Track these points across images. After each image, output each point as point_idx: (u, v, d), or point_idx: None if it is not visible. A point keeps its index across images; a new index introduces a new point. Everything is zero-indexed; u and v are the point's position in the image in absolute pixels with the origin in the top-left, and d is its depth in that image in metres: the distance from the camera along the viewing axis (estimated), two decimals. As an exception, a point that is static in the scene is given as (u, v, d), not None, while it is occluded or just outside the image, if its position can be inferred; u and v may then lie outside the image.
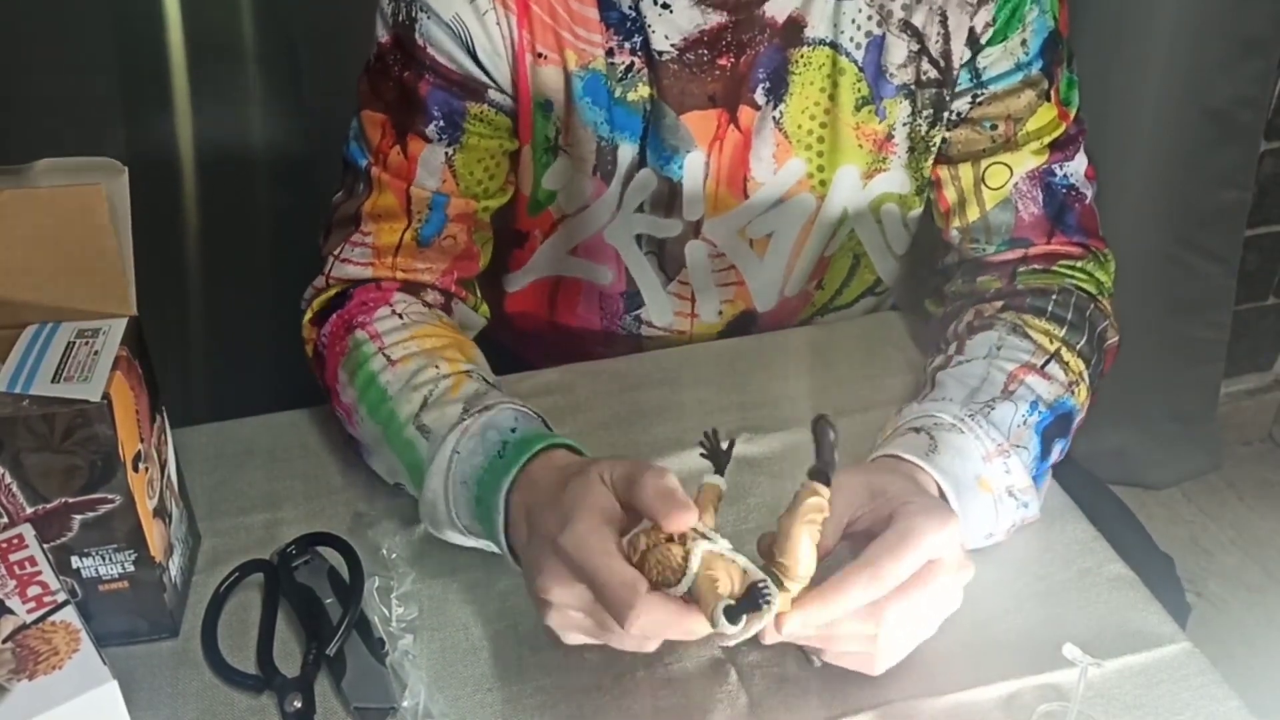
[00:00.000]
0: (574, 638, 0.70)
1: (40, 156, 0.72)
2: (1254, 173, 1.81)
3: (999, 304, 0.95)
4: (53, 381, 0.68)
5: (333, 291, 0.94)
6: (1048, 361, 0.88)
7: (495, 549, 0.78)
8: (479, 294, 1.00)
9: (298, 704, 0.72)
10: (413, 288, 0.94)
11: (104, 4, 1.27)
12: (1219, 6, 1.61)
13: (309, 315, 0.94)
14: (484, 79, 0.92)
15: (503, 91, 0.93)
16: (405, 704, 0.71)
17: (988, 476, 0.79)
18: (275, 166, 1.39)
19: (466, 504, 0.78)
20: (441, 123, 0.92)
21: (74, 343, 0.71)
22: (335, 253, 0.94)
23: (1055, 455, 0.86)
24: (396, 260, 0.94)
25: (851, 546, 0.71)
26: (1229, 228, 1.84)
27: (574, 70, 0.93)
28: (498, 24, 0.90)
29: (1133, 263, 1.80)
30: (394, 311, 0.90)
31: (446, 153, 0.93)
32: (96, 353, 0.70)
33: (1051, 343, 0.89)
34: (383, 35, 0.93)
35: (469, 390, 0.83)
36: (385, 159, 0.93)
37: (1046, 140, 0.96)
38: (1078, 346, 0.90)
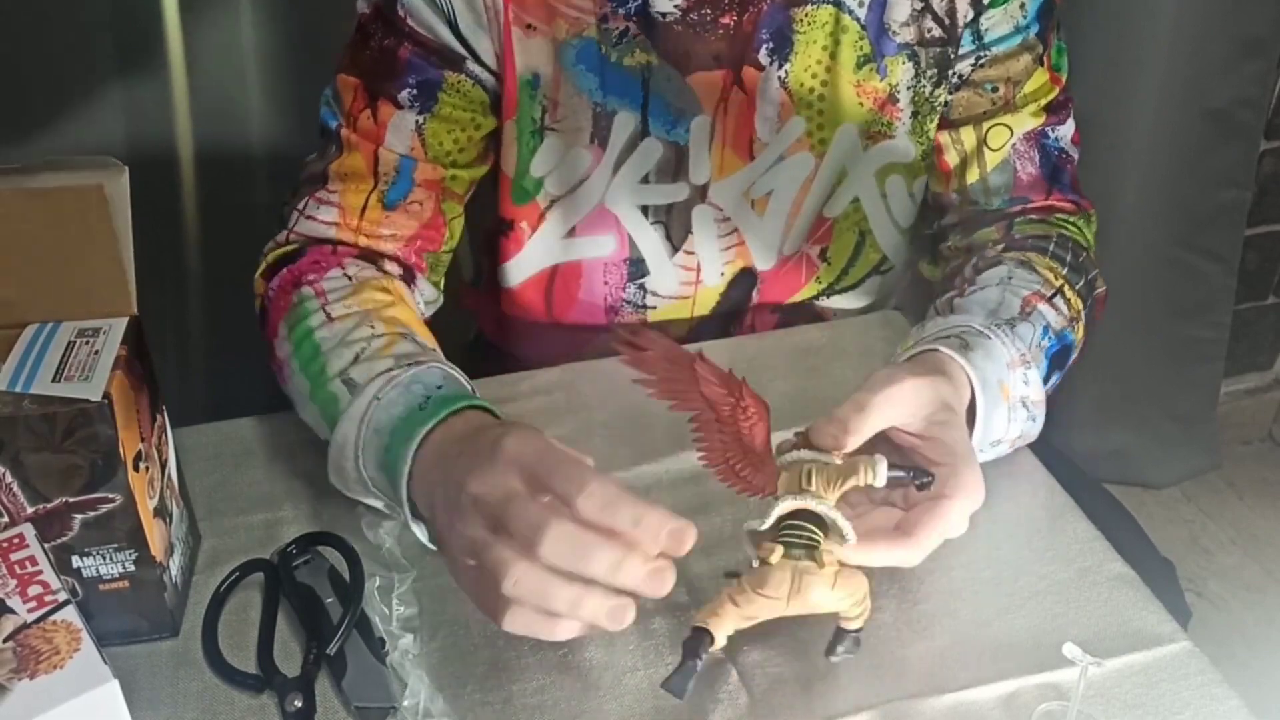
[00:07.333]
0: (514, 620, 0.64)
1: (40, 156, 0.72)
2: (1254, 172, 1.81)
3: (1000, 247, 0.97)
4: (53, 381, 0.68)
5: (292, 247, 0.94)
6: (1054, 295, 0.90)
7: (383, 507, 0.80)
8: (441, 272, 1.00)
9: (298, 703, 0.72)
10: (371, 255, 0.94)
11: (104, 4, 1.27)
12: (1219, 6, 1.61)
13: (261, 269, 0.94)
14: (463, 51, 0.93)
15: (483, 64, 0.94)
16: (405, 703, 0.71)
17: (1008, 383, 0.81)
18: (275, 166, 1.39)
19: (375, 452, 0.77)
20: (415, 90, 0.92)
21: (74, 342, 0.71)
22: (300, 207, 0.95)
23: (1050, 386, 0.88)
24: (361, 222, 0.94)
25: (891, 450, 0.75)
26: (1229, 227, 1.84)
27: (564, 39, 0.93)
28: None
29: (1133, 262, 1.81)
30: (345, 273, 0.90)
31: (417, 120, 0.93)
32: (97, 352, 0.70)
33: (1056, 278, 0.92)
34: (364, 7, 0.94)
35: (402, 349, 0.82)
36: (355, 121, 0.94)
37: (1042, 103, 0.99)
38: (1077, 286, 0.93)
